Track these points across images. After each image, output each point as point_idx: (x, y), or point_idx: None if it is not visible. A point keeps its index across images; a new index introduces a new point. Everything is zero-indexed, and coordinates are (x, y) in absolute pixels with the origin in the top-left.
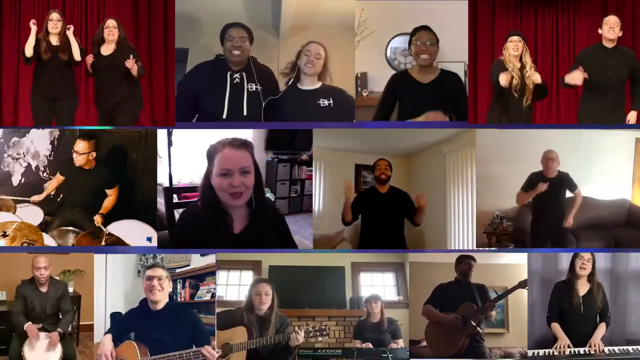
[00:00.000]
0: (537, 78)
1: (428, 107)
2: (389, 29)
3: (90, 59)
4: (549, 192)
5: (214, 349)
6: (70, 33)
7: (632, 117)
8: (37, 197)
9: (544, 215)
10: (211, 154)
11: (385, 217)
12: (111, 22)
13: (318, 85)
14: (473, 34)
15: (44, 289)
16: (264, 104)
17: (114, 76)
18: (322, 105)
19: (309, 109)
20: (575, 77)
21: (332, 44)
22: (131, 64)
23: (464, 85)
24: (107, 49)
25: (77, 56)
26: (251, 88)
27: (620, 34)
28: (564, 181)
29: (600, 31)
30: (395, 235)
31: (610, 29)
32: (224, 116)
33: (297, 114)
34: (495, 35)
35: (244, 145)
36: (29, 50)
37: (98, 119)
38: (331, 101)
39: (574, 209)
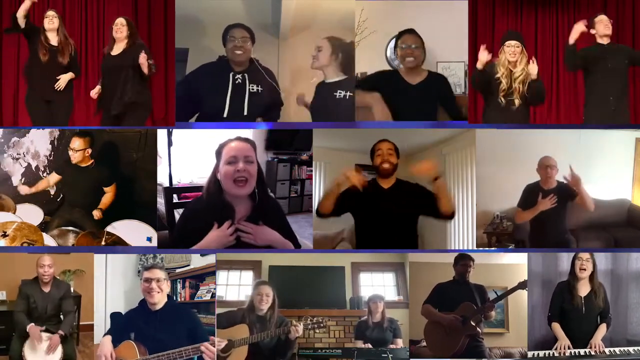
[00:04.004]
0: (533, 71)
1: (417, 106)
2: (389, 29)
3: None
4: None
5: (213, 345)
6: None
7: None
8: (26, 188)
9: (544, 230)
10: (220, 149)
11: (387, 221)
12: (120, 20)
13: (343, 77)
14: (473, 34)
15: (46, 289)
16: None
17: (123, 75)
18: (337, 97)
19: (329, 102)
20: (576, 29)
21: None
22: (143, 59)
23: (451, 86)
24: (116, 49)
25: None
26: (252, 89)
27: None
28: (562, 190)
29: (593, 31)
30: (404, 238)
31: (606, 26)
32: (225, 115)
33: (324, 108)
34: (495, 35)
35: (248, 140)
36: (20, 18)
37: (102, 120)
38: (348, 93)
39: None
